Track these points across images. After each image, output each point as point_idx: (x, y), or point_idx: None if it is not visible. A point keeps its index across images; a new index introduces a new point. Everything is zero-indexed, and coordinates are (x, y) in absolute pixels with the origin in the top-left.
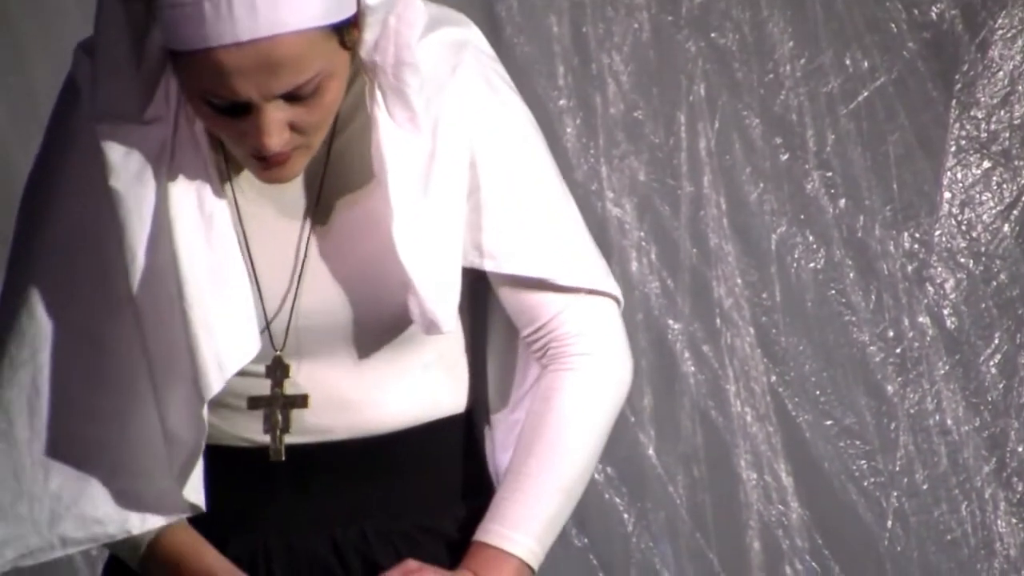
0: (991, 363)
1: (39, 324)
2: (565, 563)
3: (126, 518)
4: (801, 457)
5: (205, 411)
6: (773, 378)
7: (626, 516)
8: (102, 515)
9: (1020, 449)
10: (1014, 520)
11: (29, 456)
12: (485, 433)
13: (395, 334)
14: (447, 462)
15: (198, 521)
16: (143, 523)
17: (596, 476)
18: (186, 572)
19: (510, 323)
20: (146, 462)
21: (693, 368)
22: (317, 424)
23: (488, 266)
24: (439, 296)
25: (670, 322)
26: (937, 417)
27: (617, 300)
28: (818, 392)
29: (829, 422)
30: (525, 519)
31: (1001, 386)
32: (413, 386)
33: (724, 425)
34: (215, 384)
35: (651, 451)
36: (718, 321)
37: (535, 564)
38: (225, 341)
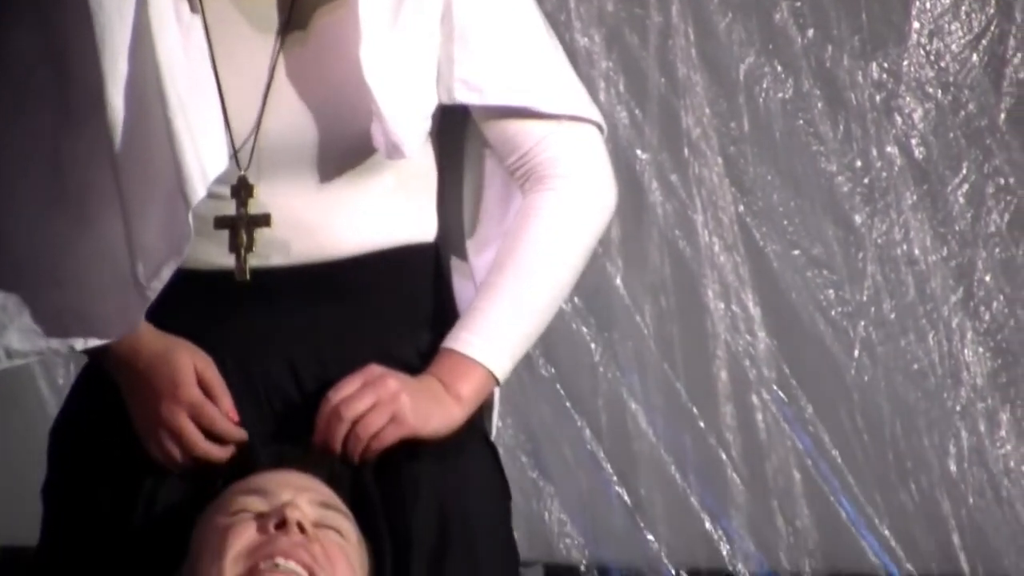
0: (959, 193)
1: None
2: (533, 393)
3: (69, 334)
4: (769, 287)
5: (191, 217)
6: (741, 208)
7: (593, 346)
8: (46, 329)
9: (987, 279)
10: (981, 349)
11: None
12: (453, 266)
13: (359, 158)
14: (410, 291)
15: None
16: (86, 341)
17: (563, 307)
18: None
19: (486, 159)
20: (96, 280)
21: (661, 198)
22: (280, 245)
23: (471, 99)
24: (404, 121)
25: (638, 152)
26: (905, 247)
27: (600, 127)
28: (786, 222)
29: (796, 252)
30: (494, 329)
31: (969, 216)
32: (374, 211)
33: (692, 255)
34: (200, 189)
35: (618, 281)
36: (686, 151)
37: (501, 376)
38: (206, 147)
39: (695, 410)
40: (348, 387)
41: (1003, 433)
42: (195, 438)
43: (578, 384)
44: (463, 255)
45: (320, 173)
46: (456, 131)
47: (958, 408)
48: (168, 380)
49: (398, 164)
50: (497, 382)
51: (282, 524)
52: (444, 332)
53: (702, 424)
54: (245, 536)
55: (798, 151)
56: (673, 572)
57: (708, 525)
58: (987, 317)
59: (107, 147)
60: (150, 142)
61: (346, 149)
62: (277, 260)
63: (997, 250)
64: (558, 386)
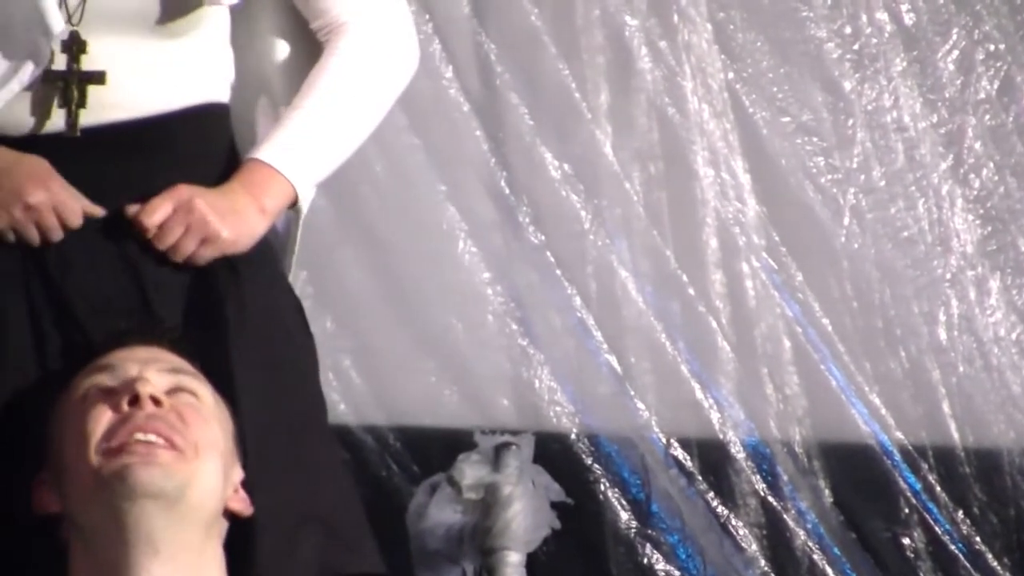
0: (949, 59)
1: None
2: (521, 260)
3: None
4: (758, 154)
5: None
6: (730, 75)
7: (583, 213)
8: None
9: (977, 145)
10: (970, 216)
11: None
12: (241, 131)
13: (179, 14)
14: (212, 149)
15: None
16: None
17: (552, 173)
18: None
19: (280, 31)
20: None
21: (650, 64)
22: (105, 102)
23: None
24: None
25: (627, 18)
26: (894, 113)
27: None
28: (775, 88)
29: (786, 119)
30: (298, 145)
31: (959, 82)
32: (185, 69)
33: (680, 122)
34: (57, 24)
35: (607, 148)
36: (675, 17)
37: (301, 192)
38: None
39: (684, 277)
40: (160, 212)
41: (992, 301)
42: (52, 222)
43: (567, 251)
44: (252, 121)
45: (142, 28)
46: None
47: (947, 276)
48: (30, 172)
49: (209, 27)
50: (296, 200)
51: (135, 400)
52: None
53: (691, 291)
54: (103, 420)
55: (787, 17)
56: (663, 440)
57: (698, 393)
58: (976, 184)
59: None
60: None
61: (171, 4)
62: (97, 117)
63: (987, 117)
64: (547, 253)
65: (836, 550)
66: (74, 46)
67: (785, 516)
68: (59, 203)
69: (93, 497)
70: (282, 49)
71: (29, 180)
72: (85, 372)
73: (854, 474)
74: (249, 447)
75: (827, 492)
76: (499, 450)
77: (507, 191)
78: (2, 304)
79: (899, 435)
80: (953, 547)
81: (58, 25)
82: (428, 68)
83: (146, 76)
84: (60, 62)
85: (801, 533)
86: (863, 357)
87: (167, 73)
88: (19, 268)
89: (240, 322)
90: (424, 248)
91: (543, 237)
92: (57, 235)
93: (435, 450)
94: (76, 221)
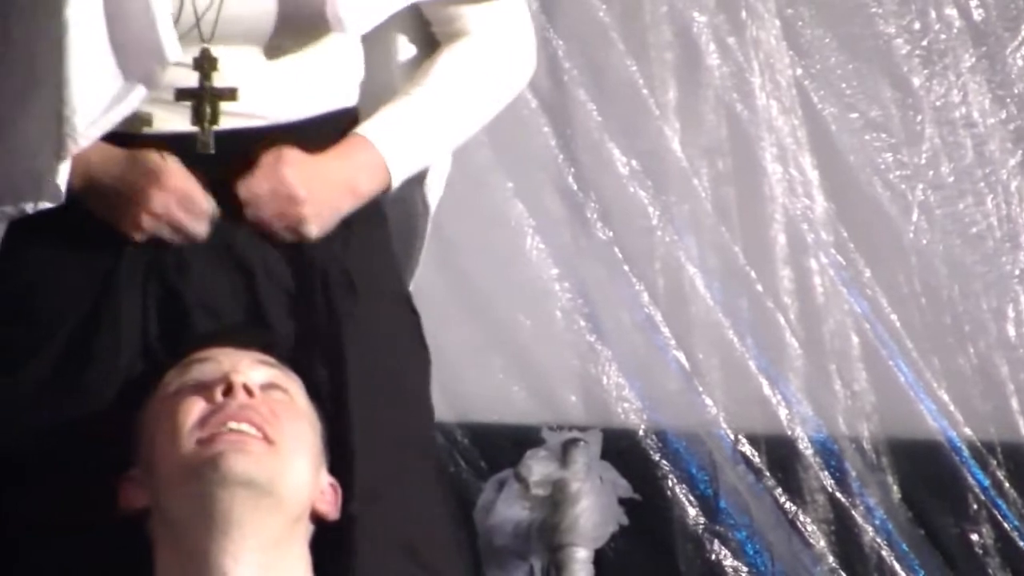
0: (1018, 55)
1: None
2: (589, 256)
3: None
4: (826, 150)
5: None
6: (799, 71)
7: (651, 209)
8: None
9: None
10: None
11: None
12: None
13: (310, 29)
14: None
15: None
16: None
17: (620, 169)
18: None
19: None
20: (35, 143)
21: (718, 61)
22: (234, 110)
23: None
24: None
25: (695, 14)
26: (963, 109)
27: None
28: (843, 85)
29: (854, 115)
30: (404, 133)
31: None
32: (316, 78)
33: (749, 118)
34: (174, 50)
35: (675, 144)
36: (743, 13)
37: (395, 180)
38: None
39: (752, 273)
40: (258, 187)
41: None
42: (183, 219)
43: (635, 247)
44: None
45: (275, 43)
46: None
47: (1016, 271)
48: (151, 172)
49: (339, 36)
50: (389, 186)
51: (229, 390)
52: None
53: (759, 287)
54: (195, 409)
55: (856, 13)
56: (731, 436)
57: (766, 389)
58: None
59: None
60: (118, 11)
61: (300, 20)
62: (231, 125)
63: None
64: (615, 249)
65: (904, 547)
66: (205, 63)
67: (853, 512)
68: (183, 199)
69: (184, 486)
70: (407, 51)
71: (148, 184)
72: (178, 368)
73: (922, 470)
74: (356, 460)
75: (895, 488)
76: (567, 446)
77: (575, 187)
78: (119, 303)
79: (967, 431)
80: (1022, 543)
81: (174, 53)
82: None
83: (277, 88)
84: (191, 78)
85: (869, 530)
86: (931, 353)
87: (297, 84)
88: (142, 268)
89: (355, 338)
90: (492, 244)
91: (611, 233)
92: (197, 230)
93: (503, 446)
94: (204, 210)
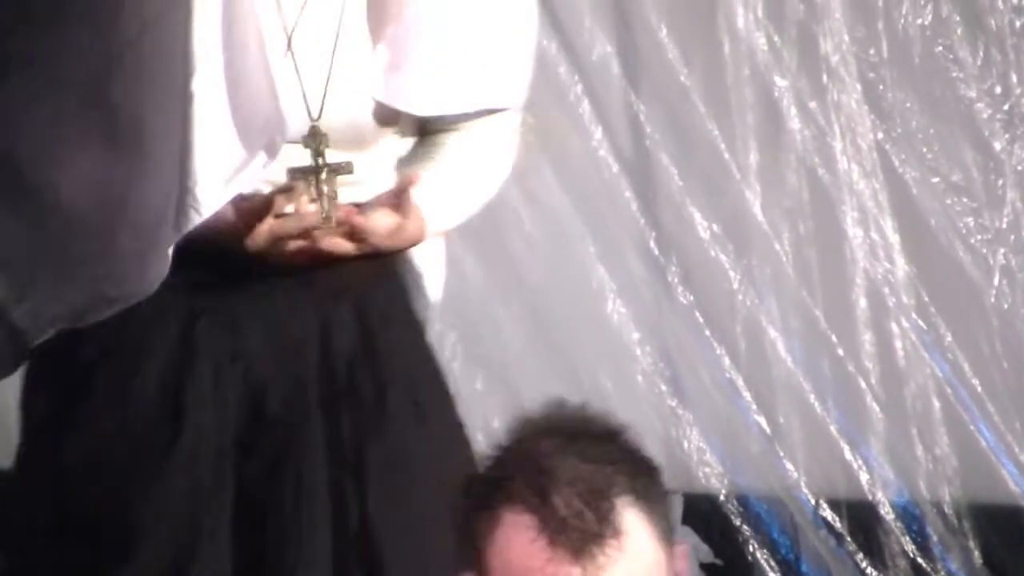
0: None
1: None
2: (671, 320)
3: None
4: (907, 213)
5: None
6: (880, 134)
7: (732, 273)
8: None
9: None
10: None
11: None
12: None
13: (392, 119)
14: None
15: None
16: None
17: (701, 232)
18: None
19: None
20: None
21: (799, 124)
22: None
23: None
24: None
25: (776, 78)
26: None
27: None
28: (925, 148)
29: (936, 179)
30: (445, 206)
31: None
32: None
33: (830, 181)
34: (286, 130)
35: (756, 207)
36: (824, 77)
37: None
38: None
39: (834, 337)
40: (384, 222)
41: None
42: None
43: (716, 310)
44: None
45: (367, 133)
46: None
47: None
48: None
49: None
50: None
51: None
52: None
53: (840, 351)
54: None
55: (937, 76)
56: (812, 500)
57: (847, 453)
58: None
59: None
60: (241, 82)
61: (385, 115)
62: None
63: None
64: (696, 313)
65: None
66: (316, 141)
67: None
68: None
69: None
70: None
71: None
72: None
73: (1004, 535)
74: (379, 537)
75: (977, 553)
76: None
77: (656, 250)
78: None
79: None
80: None
81: (299, 126)
82: (579, 128)
83: (383, 164)
84: (304, 156)
85: None
86: (1014, 416)
87: (376, 168)
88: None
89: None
90: (574, 307)
91: (692, 297)
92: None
93: None
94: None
